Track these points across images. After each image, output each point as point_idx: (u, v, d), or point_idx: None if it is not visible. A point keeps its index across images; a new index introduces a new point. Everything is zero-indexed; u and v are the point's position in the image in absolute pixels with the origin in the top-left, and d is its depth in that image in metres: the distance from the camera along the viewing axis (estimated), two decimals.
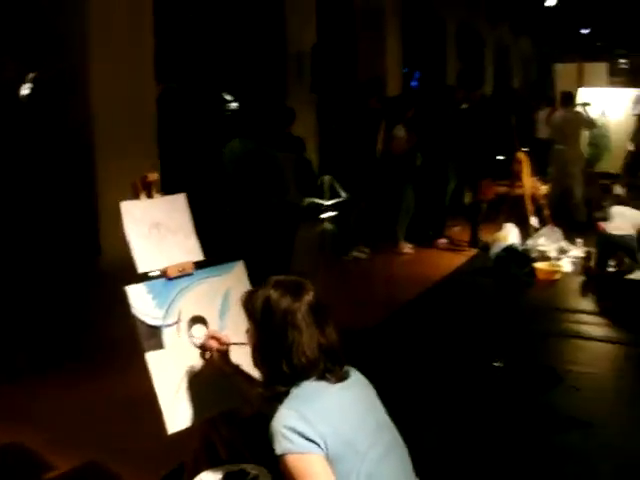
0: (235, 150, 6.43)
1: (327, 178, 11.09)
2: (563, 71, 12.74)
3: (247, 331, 2.30)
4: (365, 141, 8.15)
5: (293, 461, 1.99)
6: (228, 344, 2.60)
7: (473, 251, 8.92)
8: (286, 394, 2.14)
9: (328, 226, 10.38)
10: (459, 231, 10.00)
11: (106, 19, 6.67)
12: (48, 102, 6.59)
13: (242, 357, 2.56)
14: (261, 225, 6.24)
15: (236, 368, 2.61)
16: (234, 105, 12.64)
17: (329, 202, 11.06)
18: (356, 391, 2.23)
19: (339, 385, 2.17)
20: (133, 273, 6.23)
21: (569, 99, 10.18)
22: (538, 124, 14.20)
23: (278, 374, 2.16)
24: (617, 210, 7.55)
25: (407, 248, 8.91)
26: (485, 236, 8.95)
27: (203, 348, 2.64)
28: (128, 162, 6.96)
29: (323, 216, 10.76)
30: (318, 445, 2.00)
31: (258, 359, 2.25)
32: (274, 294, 2.19)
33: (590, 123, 9.99)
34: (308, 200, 10.80)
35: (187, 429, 2.64)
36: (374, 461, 2.10)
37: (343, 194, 11.05)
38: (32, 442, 4.10)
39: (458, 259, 8.60)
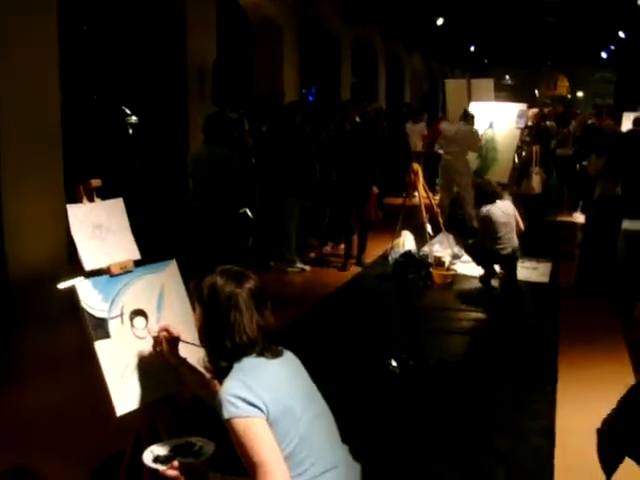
0: (202, 155, 6.98)
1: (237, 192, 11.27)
2: (453, 86, 13.27)
3: (195, 313, 2.58)
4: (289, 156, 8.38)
5: (238, 424, 2.28)
6: (178, 339, 2.84)
7: (370, 259, 9.23)
8: (229, 369, 2.44)
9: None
10: (356, 240, 10.36)
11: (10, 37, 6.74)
12: None
13: (188, 352, 2.84)
14: (221, 224, 6.86)
15: (183, 360, 2.86)
16: (134, 118, 12.67)
17: None
18: (290, 365, 2.57)
19: (275, 360, 2.49)
20: (42, 285, 6.30)
21: (466, 116, 10.68)
22: (410, 137, 14.59)
23: (222, 350, 2.46)
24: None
25: (308, 257, 9.20)
26: (384, 244, 9.31)
27: (156, 340, 2.87)
28: (34, 175, 7.03)
29: None
30: (260, 409, 2.30)
31: (204, 337, 2.54)
32: (220, 280, 2.50)
33: (476, 145, 10.52)
34: None
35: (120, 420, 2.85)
36: (307, 424, 2.43)
37: (245, 208, 11.26)
38: None
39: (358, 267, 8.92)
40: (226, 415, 2.29)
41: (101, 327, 2.79)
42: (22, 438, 4.34)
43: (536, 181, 11.42)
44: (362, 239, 8.96)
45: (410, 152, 9.84)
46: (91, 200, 2.91)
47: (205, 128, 7.02)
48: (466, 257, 8.54)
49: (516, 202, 10.23)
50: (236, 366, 2.43)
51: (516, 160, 11.64)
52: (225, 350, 2.45)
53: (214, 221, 6.82)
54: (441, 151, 12.16)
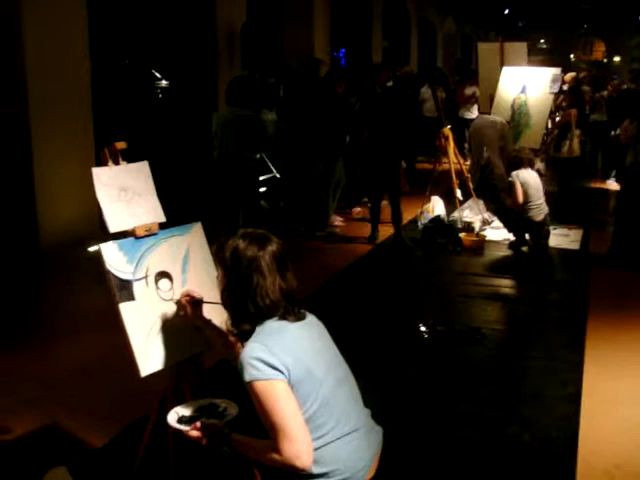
0: (225, 116, 7.25)
1: (259, 154, 11.25)
2: (485, 50, 13.03)
3: (217, 277, 2.59)
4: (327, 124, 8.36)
5: (260, 386, 2.29)
6: (202, 301, 2.86)
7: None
8: (252, 332, 2.45)
9: (261, 202, 10.57)
10: (386, 205, 10.33)
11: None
12: None
13: (213, 313, 2.86)
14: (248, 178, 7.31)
15: (207, 322, 2.89)
16: (164, 82, 12.65)
17: (261, 178, 11.23)
18: (312, 329, 2.57)
19: (298, 324, 2.50)
20: (73, 248, 6.35)
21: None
22: (425, 102, 14.26)
23: (245, 314, 2.47)
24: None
25: (337, 221, 9.17)
26: (414, 209, 9.25)
27: (178, 304, 2.90)
28: (64, 140, 7.07)
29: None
30: (282, 372, 2.31)
31: (227, 301, 2.54)
32: (242, 244, 2.49)
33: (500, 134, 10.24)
34: None
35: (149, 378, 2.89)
36: (330, 387, 2.44)
37: (274, 171, 11.24)
38: None
39: (388, 231, 8.86)
40: (247, 377, 2.30)
41: (126, 289, 2.82)
42: (49, 397, 4.41)
43: (576, 144, 11.25)
44: (396, 213, 8.36)
45: (442, 117, 9.68)
46: (116, 163, 2.92)
47: (228, 91, 7.16)
48: (496, 223, 8.48)
49: (550, 167, 10.11)
50: (258, 329, 2.44)
51: (549, 125, 11.46)
52: (248, 313, 2.46)
53: (235, 178, 7.09)
54: (470, 116, 11.98)
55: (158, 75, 12.88)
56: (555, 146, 11.02)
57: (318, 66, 11.21)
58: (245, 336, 2.48)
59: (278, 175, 10.85)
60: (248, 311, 2.45)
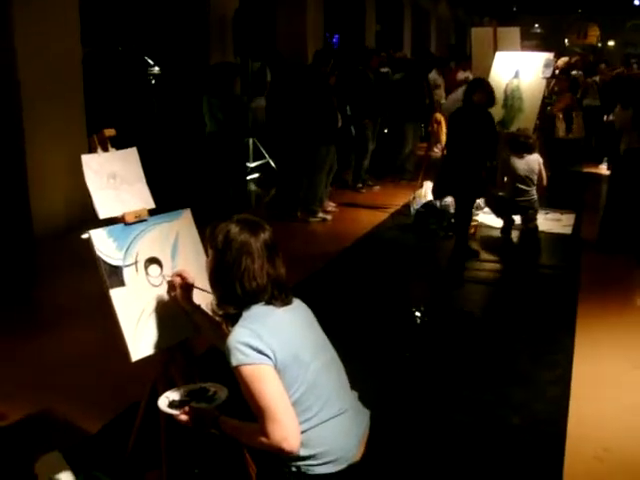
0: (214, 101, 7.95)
1: (252, 140, 11.25)
2: (479, 35, 13.00)
3: (207, 259, 2.61)
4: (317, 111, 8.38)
5: (246, 371, 2.32)
6: (192, 285, 2.89)
7: (392, 209, 9.24)
8: (238, 316, 2.47)
9: (252, 187, 10.59)
10: (379, 191, 10.36)
11: None
12: None
13: (201, 299, 2.88)
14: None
15: (197, 307, 2.91)
16: (156, 69, 12.61)
17: (253, 164, 11.24)
18: (299, 313, 2.59)
19: (284, 308, 2.52)
20: (66, 235, 6.35)
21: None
22: (436, 88, 14.21)
23: (232, 296, 2.49)
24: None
25: (330, 207, 9.18)
26: (407, 194, 9.27)
27: (170, 284, 2.93)
28: (56, 126, 7.07)
29: (248, 177, 10.95)
30: (268, 357, 2.33)
31: (215, 281, 2.56)
32: (234, 228, 2.51)
33: None
34: None
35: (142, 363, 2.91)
36: (316, 371, 2.46)
37: (268, 157, 11.25)
38: None
39: (380, 216, 8.91)
40: (234, 362, 2.33)
41: (116, 275, 2.83)
42: (43, 384, 4.44)
43: (582, 125, 11.25)
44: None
45: (433, 102, 9.70)
46: (105, 150, 2.93)
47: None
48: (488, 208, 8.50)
49: (545, 151, 10.11)
50: (245, 314, 2.46)
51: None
52: (235, 296, 2.48)
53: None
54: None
55: (150, 62, 12.85)
56: (567, 128, 11.00)
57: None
58: (230, 318, 2.51)
59: (272, 163, 10.86)
60: (235, 293, 2.47)
